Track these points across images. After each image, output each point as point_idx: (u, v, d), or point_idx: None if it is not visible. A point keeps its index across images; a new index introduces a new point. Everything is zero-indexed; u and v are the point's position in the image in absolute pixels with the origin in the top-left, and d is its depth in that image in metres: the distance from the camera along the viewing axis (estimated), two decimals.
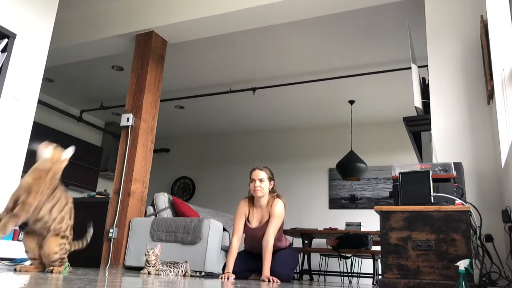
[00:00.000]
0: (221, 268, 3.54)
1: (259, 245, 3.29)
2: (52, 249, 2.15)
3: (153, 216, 4.32)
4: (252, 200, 3.41)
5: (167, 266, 3.31)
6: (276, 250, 3.32)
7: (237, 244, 3.33)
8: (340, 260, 6.09)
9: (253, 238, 3.39)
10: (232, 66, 5.76)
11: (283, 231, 3.51)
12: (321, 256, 6.16)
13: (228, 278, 3.11)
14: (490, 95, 2.85)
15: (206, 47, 5.29)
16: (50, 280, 1.63)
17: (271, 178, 3.36)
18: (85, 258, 4.16)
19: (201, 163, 8.49)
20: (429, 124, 3.18)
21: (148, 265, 3.23)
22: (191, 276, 3.41)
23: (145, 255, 3.27)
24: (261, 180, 3.29)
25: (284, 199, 3.39)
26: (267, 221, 3.31)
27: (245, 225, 3.39)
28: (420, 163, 2.99)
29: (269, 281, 3.08)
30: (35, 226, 2.17)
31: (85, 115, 7.62)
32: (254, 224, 3.36)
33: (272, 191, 3.40)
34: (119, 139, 4.54)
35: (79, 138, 7.33)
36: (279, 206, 3.30)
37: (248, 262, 3.44)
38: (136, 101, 4.49)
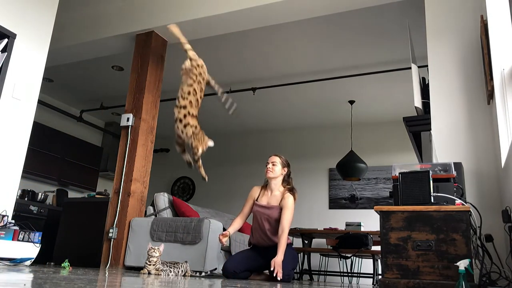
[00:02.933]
0: (221, 269, 3.54)
1: (266, 223, 3.44)
2: None
3: (153, 216, 4.32)
4: (265, 186, 3.64)
5: (167, 266, 3.31)
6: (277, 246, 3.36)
7: (239, 222, 3.58)
8: (340, 260, 6.09)
9: (262, 214, 3.48)
10: (232, 66, 5.76)
11: None
12: (321, 256, 6.16)
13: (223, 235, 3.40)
14: (490, 95, 2.85)
15: (206, 47, 5.29)
16: (50, 280, 1.63)
17: (284, 165, 3.60)
18: (85, 258, 4.16)
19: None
20: (429, 124, 3.18)
21: (149, 263, 3.22)
22: (191, 276, 3.41)
23: (148, 251, 3.27)
24: (273, 163, 3.56)
25: (297, 195, 3.58)
26: (274, 206, 3.46)
27: (256, 202, 3.56)
28: (420, 163, 2.99)
29: (273, 271, 3.15)
30: None
31: (85, 115, 7.62)
32: (261, 202, 3.55)
33: (286, 181, 3.60)
34: (119, 139, 4.54)
35: (79, 138, 7.33)
36: (289, 200, 3.47)
37: (248, 262, 3.44)
38: (136, 101, 4.49)
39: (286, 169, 3.60)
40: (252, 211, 3.59)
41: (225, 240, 3.40)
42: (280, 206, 3.45)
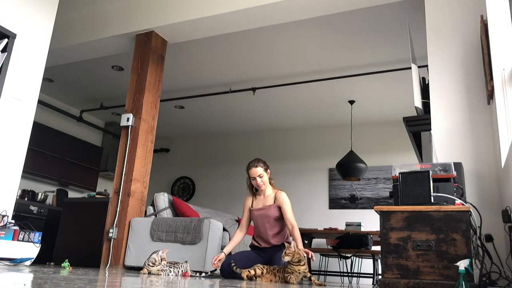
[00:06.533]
0: (220, 268, 3.54)
1: (268, 224, 3.46)
2: None
3: (153, 216, 4.32)
4: (254, 193, 3.64)
5: (167, 266, 3.31)
6: (279, 246, 3.39)
7: (239, 235, 3.58)
8: (340, 260, 6.09)
9: (261, 217, 3.50)
10: (232, 66, 5.77)
11: (287, 229, 3.54)
12: (321, 256, 6.16)
13: (217, 259, 3.38)
14: (490, 95, 2.85)
15: (206, 47, 5.29)
16: (50, 280, 1.63)
17: (266, 169, 3.57)
18: (85, 258, 4.16)
19: (201, 163, 8.49)
20: (429, 124, 3.18)
21: (151, 265, 3.22)
22: (191, 276, 3.41)
23: (155, 252, 3.28)
24: (260, 176, 3.51)
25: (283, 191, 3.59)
26: (270, 205, 3.48)
27: (251, 211, 3.56)
28: (420, 163, 2.99)
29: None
30: None
31: (85, 115, 7.62)
32: (257, 207, 3.56)
33: (270, 180, 3.60)
34: (119, 139, 4.54)
35: (79, 138, 7.34)
36: (284, 196, 3.51)
37: (248, 261, 3.44)
38: (136, 101, 4.49)
39: (269, 171, 3.60)
40: (252, 219, 3.60)
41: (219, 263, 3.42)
42: (276, 205, 3.48)
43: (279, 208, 3.46)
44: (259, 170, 3.50)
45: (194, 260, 3.72)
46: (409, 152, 6.17)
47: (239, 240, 3.60)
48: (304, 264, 2.98)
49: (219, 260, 3.39)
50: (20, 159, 3.61)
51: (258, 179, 3.50)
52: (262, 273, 3.08)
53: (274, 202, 3.50)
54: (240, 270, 3.15)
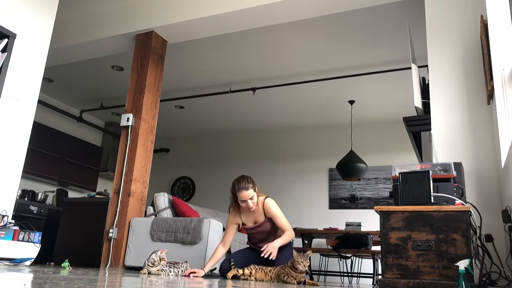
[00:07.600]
0: (219, 268, 3.54)
1: (265, 236, 3.37)
2: None
3: (153, 216, 4.32)
4: (239, 207, 3.40)
5: (167, 266, 3.31)
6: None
7: (221, 251, 3.38)
8: (340, 260, 6.09)
9: (257, 233, 3.42)
10: (232, 66, 5.77)
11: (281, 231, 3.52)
12: (321, 256, 6.16)
13: (191, 273, 3.24)
14: (490, 95, 2.85)
15: (206, 47, 5.29)
16: (50, 280, 1.63)
17: (255, 188, 3.29)
18: (85, 258, 4.16)
19: (201, 163, 8.50)
20: (429, 124, 3.18)
21: (150, 265, 3.22)
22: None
23: (154, 252, 3.28)
24: (251, 198, 3.25)
25: (269, 196, 3.40)
26: (263, 221, 3.35)
27: (244, 227, 3.43)
28: (420, 163, 2.99)
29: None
30: None
31: (85, 115, 7.62)
32: (249, 224, 3.40)
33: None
34: (119, 139, 4.54)
35: (79, 138, 7.34)
36: (272, 206, 3.32)
37: (247, 260, 3.43)
38: (136, 101, 4.49)
39: (256, 188, 3.29)
40: (246, 233, 3.50)
41: (192, 276, 3.25)
42: (268, 218, 3.33)
43: (271, 219, 3.33)
44: (250, 193, 3.21)
45: (194, 260, 3.72)
46: (409, 152, 6.19)
47: (220, 256, 3.38)
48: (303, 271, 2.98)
49: (194, 275, 3.23)
50: (20, 159, 3.61)
51: (250, 201, 3.23)
52: (250, 273, 3.06)
53: (265, 215, 3.32)
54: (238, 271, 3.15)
